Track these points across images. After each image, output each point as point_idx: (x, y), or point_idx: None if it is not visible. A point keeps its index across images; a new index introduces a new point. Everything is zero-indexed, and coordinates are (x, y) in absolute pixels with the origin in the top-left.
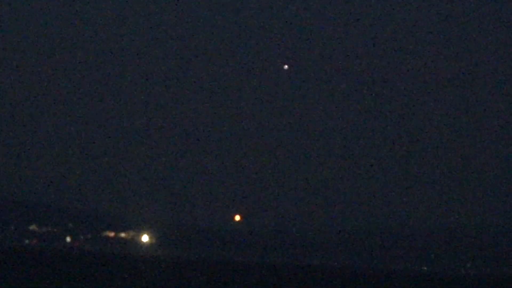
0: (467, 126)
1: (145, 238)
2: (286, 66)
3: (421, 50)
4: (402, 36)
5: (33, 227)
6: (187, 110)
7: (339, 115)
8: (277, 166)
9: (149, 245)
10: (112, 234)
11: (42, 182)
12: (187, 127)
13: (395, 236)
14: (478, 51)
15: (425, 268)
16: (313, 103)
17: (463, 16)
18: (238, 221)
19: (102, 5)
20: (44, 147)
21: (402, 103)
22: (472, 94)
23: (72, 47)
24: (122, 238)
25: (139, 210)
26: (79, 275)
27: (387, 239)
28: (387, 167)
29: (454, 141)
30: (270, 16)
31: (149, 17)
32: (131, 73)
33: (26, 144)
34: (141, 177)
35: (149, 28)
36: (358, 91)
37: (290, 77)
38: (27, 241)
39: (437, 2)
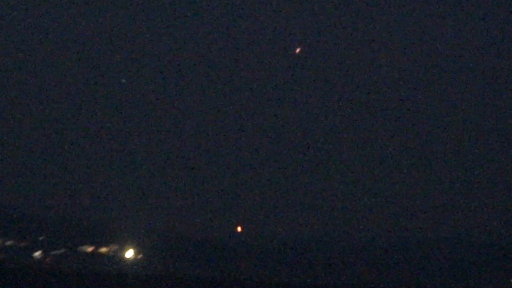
0: (461, 132)
1: (129, 253)
2: (298, 49)
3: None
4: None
5: None
6: (184, 103)
7: (348, 124)
8: (279, 171)
9: (134, 262)
10: (90, 249)
11: (6, 187)
12: (182, 123)
13: (400, 250)
14: (482, 50)
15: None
16: (320, 108)
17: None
18: (239, 231)
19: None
20: (11, 147)
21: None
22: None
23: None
24: (102, 254)
25: (123, 220)
26: None
27: (392, 254)
28: (392, 179)
29: (451, 148)
30: None
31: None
32: (121, 76)
33: None
34: (125, 180)
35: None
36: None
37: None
38: None
39: None
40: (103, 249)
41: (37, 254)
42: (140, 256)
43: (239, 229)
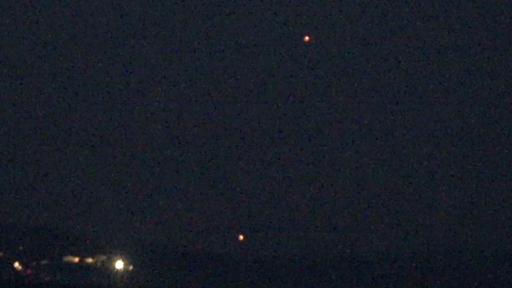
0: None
1: (119, 264)
2: (307, 38)
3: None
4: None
5: None
6: (175, 108)
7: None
8: (279, 178)
9: (124, 274)
10: (76, 259)
11: None
12: (177, 125)
13: (400, 263)
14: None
15: None
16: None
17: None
18: (241, 240)
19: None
20: None
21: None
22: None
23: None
24: (89, 265)
25: (111, 229)
26: None
27: (392, 266)
28: (396, 192)
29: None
30: None
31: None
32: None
33: None
34: (114, 184)
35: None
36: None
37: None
38: None
39: None
40: (90, 260)
41: (18, 264)
42: (130, 267)
43: (241, 237)
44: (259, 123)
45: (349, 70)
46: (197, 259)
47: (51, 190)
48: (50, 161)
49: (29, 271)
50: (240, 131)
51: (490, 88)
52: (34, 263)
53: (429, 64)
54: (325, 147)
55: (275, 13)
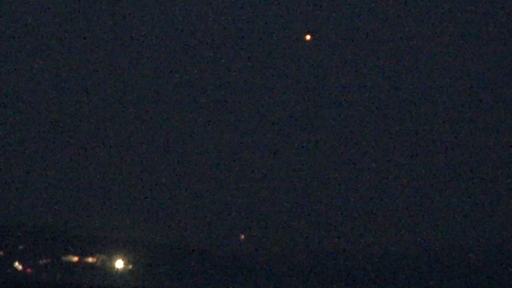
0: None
1: (119, 263)
2: (308, 37)
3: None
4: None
5: None
6: (176, 104)
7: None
8: (283, 169)
9: (124, 273)
10: (75, 258)
11: None
12: (177, 124)
13: (406, 261)
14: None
15: None
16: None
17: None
18: (243, 240)
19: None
20: None
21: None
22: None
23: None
24: (89, 264)
25: (112, 227)
26: None
27: (397, 264)
28: (396, 192)
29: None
30: None
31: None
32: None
33: None
34: (113, 182)
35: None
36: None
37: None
38: None
39: None
40: (90, 259)
41: (16, 264)
42: (130, 267)
43: (242, 237)
44: (259, 122)
45: (351, 70)
46: (197, 259)
47: (50, 189)
48: (50, 161)
49: (29, 271)
50: (241, 130)
51: (491, 88)
52: (34, 263)
53: (431, 64)
54: (326, 146)
55: (275, 13)
